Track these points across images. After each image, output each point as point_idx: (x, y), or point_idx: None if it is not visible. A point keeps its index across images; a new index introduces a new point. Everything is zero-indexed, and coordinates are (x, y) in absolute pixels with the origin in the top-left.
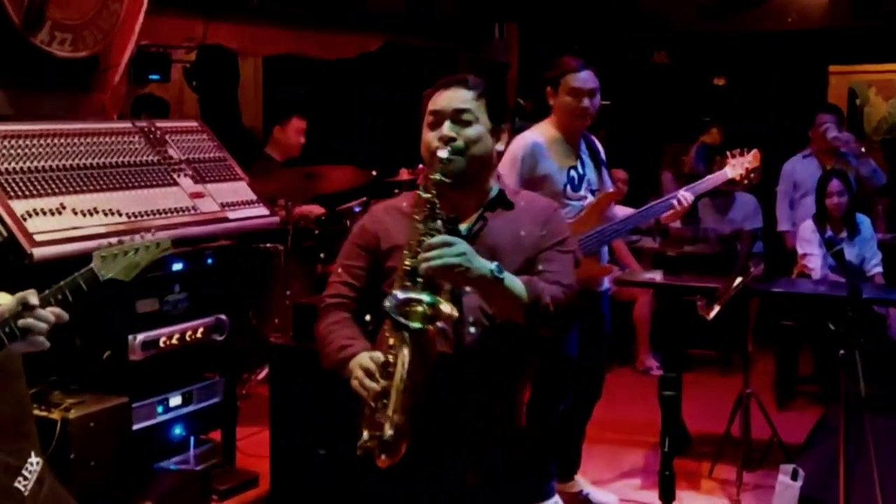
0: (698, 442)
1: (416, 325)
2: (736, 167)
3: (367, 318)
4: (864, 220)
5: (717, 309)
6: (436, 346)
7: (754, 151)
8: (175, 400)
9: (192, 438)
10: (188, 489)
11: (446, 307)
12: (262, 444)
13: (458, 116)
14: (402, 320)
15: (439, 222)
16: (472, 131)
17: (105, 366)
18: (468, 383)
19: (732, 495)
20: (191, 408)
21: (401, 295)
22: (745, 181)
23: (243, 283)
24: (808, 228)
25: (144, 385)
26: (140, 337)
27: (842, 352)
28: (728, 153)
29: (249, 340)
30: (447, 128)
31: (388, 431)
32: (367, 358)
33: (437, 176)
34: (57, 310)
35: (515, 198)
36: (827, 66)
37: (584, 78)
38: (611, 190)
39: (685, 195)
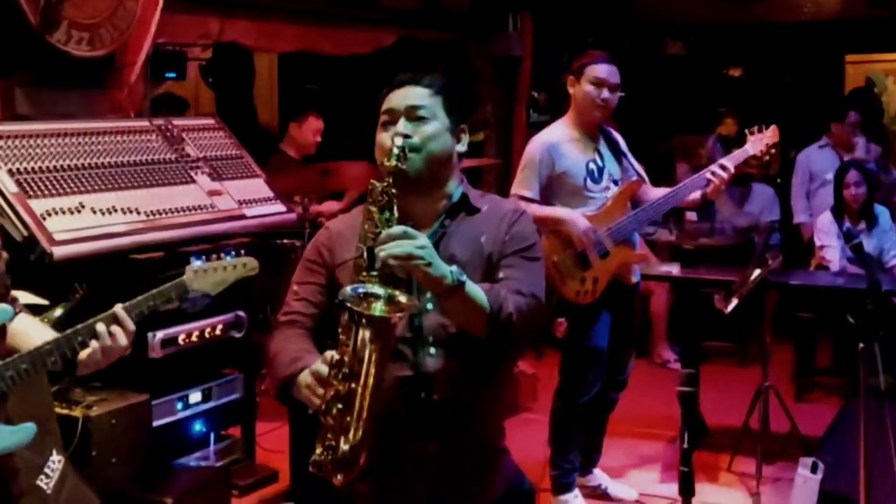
0: (716, 435)
1: (377, 311)
2: (756, 143)
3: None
4: (882, 211)
5: (734, 302)
6: (394, 340)
7: (773, 127)
8: (195, 396)
9: (212, 434)
10: (209, 485)
11: (404, 297)
12: (282, 439)
13: (412, 113)
14: (360, 309)
15: (396, 213)
16: (428, 128)
17: (125, 363)
18: (432, 407)
19: (752, 488)
20: (210, 404)
21: (354, 289)
22: (766, 157)
23: (261, 280)
24: (825, 220)
25: (164, 382)
26: (159, 334)
27: (861, 345)
28: (747, 131)
29: (268, 336)
30: (402, 125)
31: (343, 446)
32: (317, 362)
33: (392, 162)
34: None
35: (480, 201)
36: (843, 56)
37: (609, 71)
38: (635, 178)
39: (724, 164)
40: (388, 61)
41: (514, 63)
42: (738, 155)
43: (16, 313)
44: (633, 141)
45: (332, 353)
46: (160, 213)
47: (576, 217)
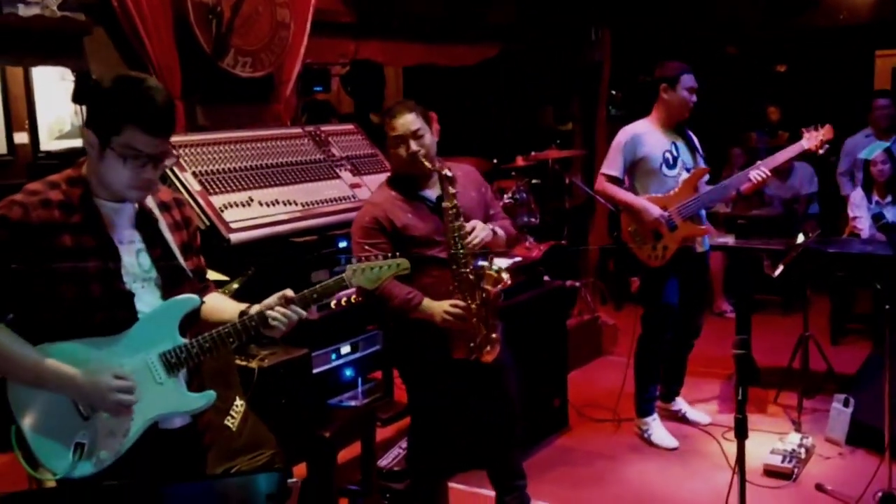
0: (765, 374)
1: (489, 286)
2: (811, 140)
3: None
4: None
5: (780, 268)
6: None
7: (827, 126)
8: (345, 349)
9: (359, 379)
10: (358, 420)
11: (505, 274)
12: None
13: (414, 134)
14: (482, 285)
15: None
16: (426, 141)
17: None
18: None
19: (794, 418)
20: (358, 354)
21: (476, 264)
22: (820, 151)
23: None
24: (857, 195)
25: (321, 338)
26: None
27: (887, 307)
28: (803, 129)
29: None
30: (414, 145)
31: (487, 337)
32: (447, 305)
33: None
34: (301, 311)
35: (453, 170)
36: (873, 51)
37: (694, 78)
38: (702, 167)
39: (761, 171)
40: (493, 69)
41: (595, 68)
42: (791, 150)
43: (202, 301)
44: (695, 130)
45: (461, 303)
46: (313, 204)
47: (649, 206)
